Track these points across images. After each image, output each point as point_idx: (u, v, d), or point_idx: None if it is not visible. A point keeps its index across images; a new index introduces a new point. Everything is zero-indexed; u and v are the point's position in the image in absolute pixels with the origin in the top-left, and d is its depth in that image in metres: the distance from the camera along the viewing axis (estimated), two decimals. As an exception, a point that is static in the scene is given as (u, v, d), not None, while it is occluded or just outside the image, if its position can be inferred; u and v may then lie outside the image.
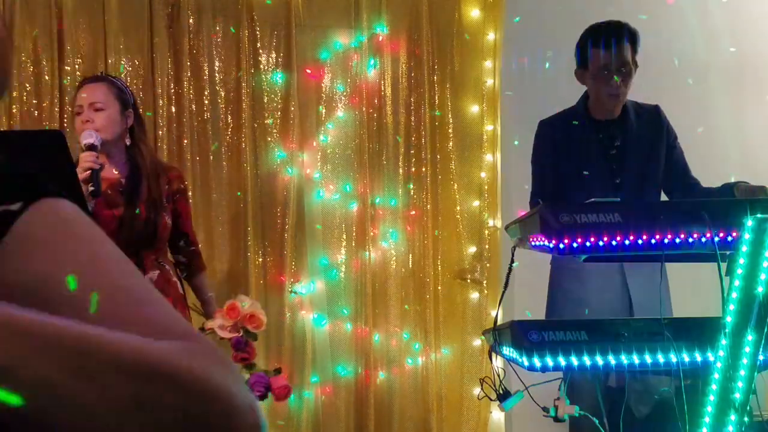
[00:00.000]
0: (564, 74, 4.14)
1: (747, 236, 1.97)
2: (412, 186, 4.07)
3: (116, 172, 2.76)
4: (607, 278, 2.93)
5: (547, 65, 4.17)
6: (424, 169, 4.05)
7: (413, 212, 4.07)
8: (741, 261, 1.97)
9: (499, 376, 2.32)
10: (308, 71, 4.01)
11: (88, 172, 2.52)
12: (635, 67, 2.98)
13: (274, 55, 3.96)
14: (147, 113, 3.82)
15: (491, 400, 2.36)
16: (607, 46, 2.93)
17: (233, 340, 2.75)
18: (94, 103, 2.69)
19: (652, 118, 3.10)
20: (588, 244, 1.97)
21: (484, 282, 4.10)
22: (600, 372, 2.29)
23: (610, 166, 3.03)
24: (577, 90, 4.07)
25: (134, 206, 2.71)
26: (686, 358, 2.09)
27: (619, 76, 2.94)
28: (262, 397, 2.78)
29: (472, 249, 4.11)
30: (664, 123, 3.11)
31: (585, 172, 3.00)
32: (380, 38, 4.04)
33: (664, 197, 3.12)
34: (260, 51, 3.94)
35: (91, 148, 2.59)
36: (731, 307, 1.98)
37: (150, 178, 2.76)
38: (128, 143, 2.77)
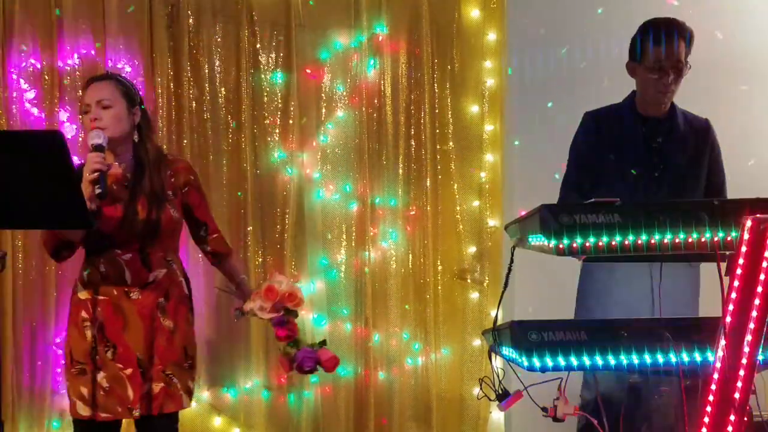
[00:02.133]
0: (565, 74, 4.16)
1: (747, 236, 1.96)
2: (412, 186, 4.07)
3: (122, 168, 2.76)
4: (634, 270, 2.94)
5: (554, 55, 4.17)
6: (424, 169, 4.05)
7: (413, 212, 4.07)
8: (741, 261, 1.97)
9: (498, 376, 2.32)
10: (308, 71, 4.00)
11: (96, 174, 2.52)
12: (688, 67, 3.01)
13: (274, 55, 3.96)
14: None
15: (491, 400, 2.36)
16: (663, 42, 2.97)
17: (274, 320, 2.79)
18: (102, 100, 2.69)
19: (701, 128, 3.17)
20: (588, 244, 1.97)
21: (485, 282, 4.10)
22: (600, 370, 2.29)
23: (651, 159, 3.07)
24: (578, 90, 4.08)
25: (136, 201, 2.70)
26: (686, 358, 2.09)
27: (672, 74, 2.98)
28: (313, 371, 2.85)
29: (472, 249, 4.11)
30: (710, 137, 3.18)
31: (632, 171, 3.03)
32: (380, 38, 4.04)
33: None
34: (260, 51, 3.94)
35: (98, 148, 2.58)
36: (731, 307, 1.98)
37: (152, 171, 2.74)
38: (136, 140, 2.77)
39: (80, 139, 3.71)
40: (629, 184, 3.02)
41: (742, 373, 1.95)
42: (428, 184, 4.05)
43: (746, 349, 1.95)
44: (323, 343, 2.89)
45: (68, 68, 3.74)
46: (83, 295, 2.72)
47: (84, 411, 2.68)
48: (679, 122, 3.12)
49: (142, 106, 2.83)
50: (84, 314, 2.70)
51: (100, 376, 2.66)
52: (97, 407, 2.66)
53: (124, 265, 2.69)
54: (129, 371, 2.65)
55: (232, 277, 2.98)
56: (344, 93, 4.03)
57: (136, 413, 2.65)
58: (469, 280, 4.11)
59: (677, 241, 1.98)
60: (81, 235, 2.71)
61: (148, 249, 2.71)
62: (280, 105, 3.96)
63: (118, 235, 2.68)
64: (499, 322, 2.32)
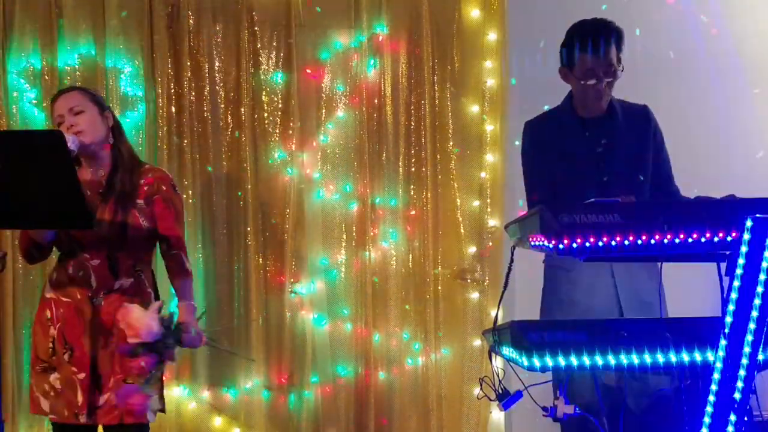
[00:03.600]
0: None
1: (747, 236, 1.97)
2: (412, 186, 4.06)
3: (102, 174, 2.76)
4: (596, 279, 2.92)
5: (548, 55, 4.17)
6: (424, 169, 4.05)
7: (413, 212, 4.07)
8: (741, 261, 1.97)
9: (498, 376, 2.32)
10: (308, 71, 4.00)
11: None
12: (621, 68, 2.96)
13: (274, 55, 3.96)
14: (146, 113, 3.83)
15: (491, 400, 2.36)
16: (594, 49, 2.89)
17: (120, 347, 2.61)
18: (73, 107, 2.71)
19: (640, 118, 3.08)
20: (588, 244, 1.96)
21: (485, 282, 4.09)
22: (599, 371, 2.28)
23: (597, 164, 3.01)
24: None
25: (105, 204, 2.69)
26: (686, 358, 2.09)
27: (605, 78, 2.93)
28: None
29: (472, 249, 4.11)
30: (652, 124, 3.09)
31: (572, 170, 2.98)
32: (380, 38, 4.04)
33: None
34: (260, 51, 3.94)
35: None
36: (731, 307, 1.98)
37: (124, 174, 2.73)
38: (111, 142, 2.77)
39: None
40: (580, 191, 2.93)
41: (742, 373, 1.95)
42: (428, 184, 4.05)
43: (746, 349, 1.95)
44: (157, 395, 2.68)
45: (68, 68, 3.74)
46: (50, 294, 2.73)
47: (47, 408, 2.70)
48: (619, 118, 3.06)
49: (112, 112, 2.84)
50: (48, 313, 2.71)
51: (53, 377, 2.67)
52: (48, 407, 2.68)
53: (91, 270, 2.68)
54: (82, 376, 2.64)
55: (178, 297, 2.80)
56: (344, 93, 4.03)
57: (82, 419, 2.63)
58: (469, 280, 4.10)
59: (677, 241, 1.98)
60: (48, 237, 2.71)
61: (117, 256, 2.70)
62: (280, 105, 3.96)
63: (86, 239, 2.67)
64: (499, 322, 2.32)
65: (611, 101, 3.05)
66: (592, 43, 2.90)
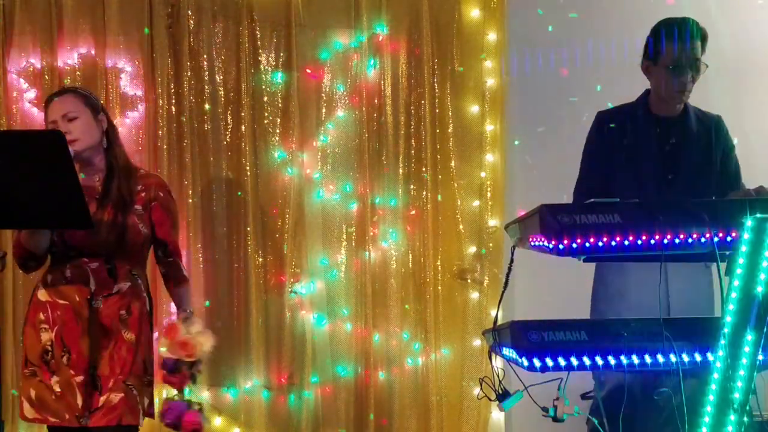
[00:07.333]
0: (565, 74, 4.16)
1: (747, 236, 1.97)
2: (412, 186, 4.06)
3: (98, 180, 2.75)
4: (648, 272, 2.92)
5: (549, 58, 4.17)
6: (424, 169, 4.05)
7: (413, 212, 4.07)
8: (741, 261, 1.97)
9: (498, 376, 2.32)
10: (308, 71, 4.00)
11: None
12: (705, 66, 3.01)
13: (274, 55, 3.96)
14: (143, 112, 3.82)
15: (491, 400, 2.36)
16: (681, 40, 2.94)
17: (165, 362, 2.64)
18: (67, 114, 2.68)
19: (712, 126, 3.13)
20: (587, 244, 1.97)
21: (485, 282, 4.09)
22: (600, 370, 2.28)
23: (664, 162, 3.04)
24: (577, 91, 4.08)
25: (104, 209, 2.68)
26: (686, 358, 2.09)
27: (690, 72, 2.97)
28: (174, 426, 2.68)
29: (472, 249, 4.11)
30: (722, 133, 3.14)
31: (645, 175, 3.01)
32: (380, 38, 4.04)
33: None
34: (260, 51, 3.94)
35: None
36: (731, 307, 1.98)
37: (121, 177, 2.73)
38: (105, 146, 2.76)
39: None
40: (642, 186, 2.99)
41: (742, 373, 1.95)
42: (428, 184, 4.05)
43: (746, 349, 1.96)
44: (200, 407, 2.72)
45: (68, 68, 3.74)
46: (43, 296, 2.70)
47: (30, 414, 2.66)
48: (692, 122, 3.09)
49: (107, 113, 2.83)
50: (42, 316, 2.68)
51: (53, 381, 2.64)
52: (49, 411, 2.64)
53: (89, 273, 2.67)
54: (80, 379, 2.63)
55: (178, 305, 2.89)
56: (344, 93, 4.03)
57: (84, 421, 2.61)
58: (469, 280, 4.10)
59: (677, 241, 1.98)
60: (43, 247, 2.69)
61: (115, 260, 2.69)
62: (280, 105, 3.96)
63: (85, 245, 2.66)
64: (499, 322, 2.31)
65: (686, 106, 3.09)
66: (681, 35, 2.94)
